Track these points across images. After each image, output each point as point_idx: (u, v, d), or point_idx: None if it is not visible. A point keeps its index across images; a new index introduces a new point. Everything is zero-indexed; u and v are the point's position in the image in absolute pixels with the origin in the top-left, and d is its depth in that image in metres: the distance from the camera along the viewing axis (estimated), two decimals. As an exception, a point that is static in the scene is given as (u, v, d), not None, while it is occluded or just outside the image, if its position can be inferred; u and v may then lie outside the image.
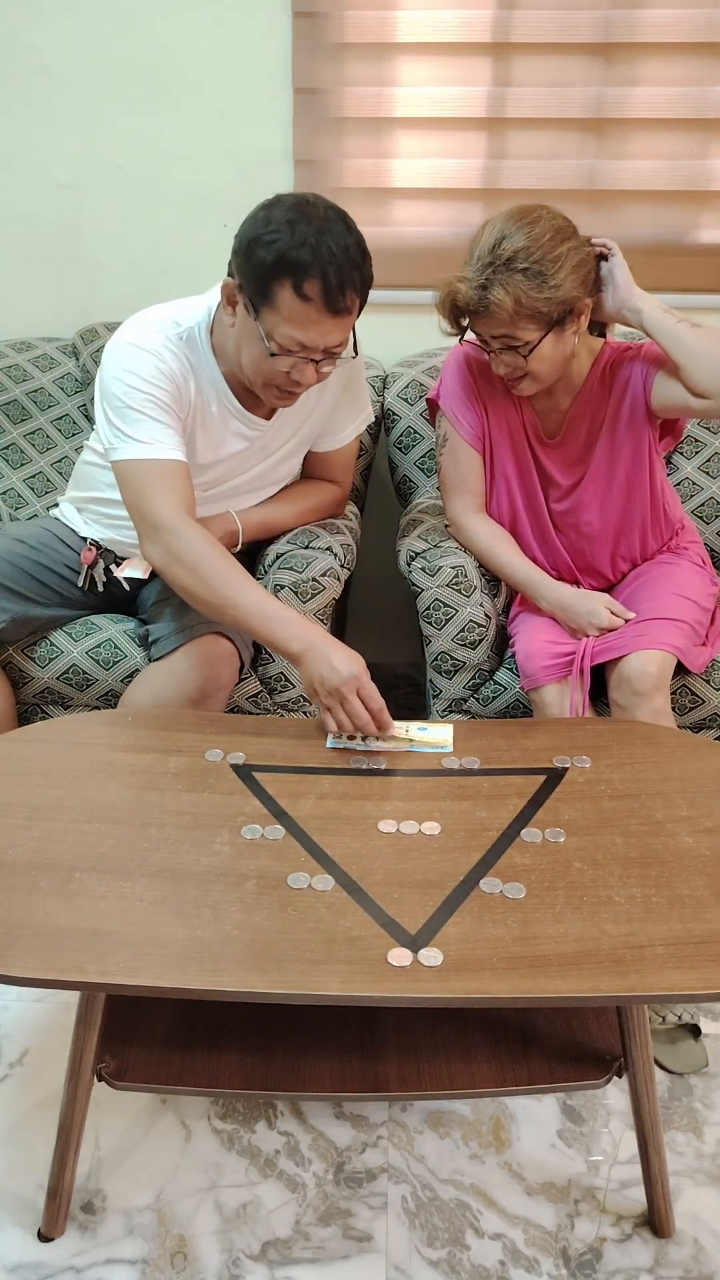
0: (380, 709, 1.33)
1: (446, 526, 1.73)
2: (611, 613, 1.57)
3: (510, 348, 1.48)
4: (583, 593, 1.63)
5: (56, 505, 1.85)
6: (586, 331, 1.56)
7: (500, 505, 1.71)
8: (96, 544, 1.71)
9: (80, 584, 1.70)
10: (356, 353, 1.47)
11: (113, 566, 1.70)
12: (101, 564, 1.70)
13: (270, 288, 1.33)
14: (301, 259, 1.30)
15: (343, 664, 1.33)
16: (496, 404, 1.66)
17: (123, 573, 1.68)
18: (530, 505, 1.70)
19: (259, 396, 1.51)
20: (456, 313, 1.50)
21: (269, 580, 1.66)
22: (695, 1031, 1.48)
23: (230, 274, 1.40)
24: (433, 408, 1.75)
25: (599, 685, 1.58)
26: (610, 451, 1.63)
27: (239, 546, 1.68)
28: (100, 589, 1.71)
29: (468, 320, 1.51)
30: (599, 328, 1.65)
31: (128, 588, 1.71)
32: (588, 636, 1.57)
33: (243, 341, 1.44)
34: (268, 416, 1.60)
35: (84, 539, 1.74)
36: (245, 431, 1.59)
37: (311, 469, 1.77)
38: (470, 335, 1.55)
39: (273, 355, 1.39)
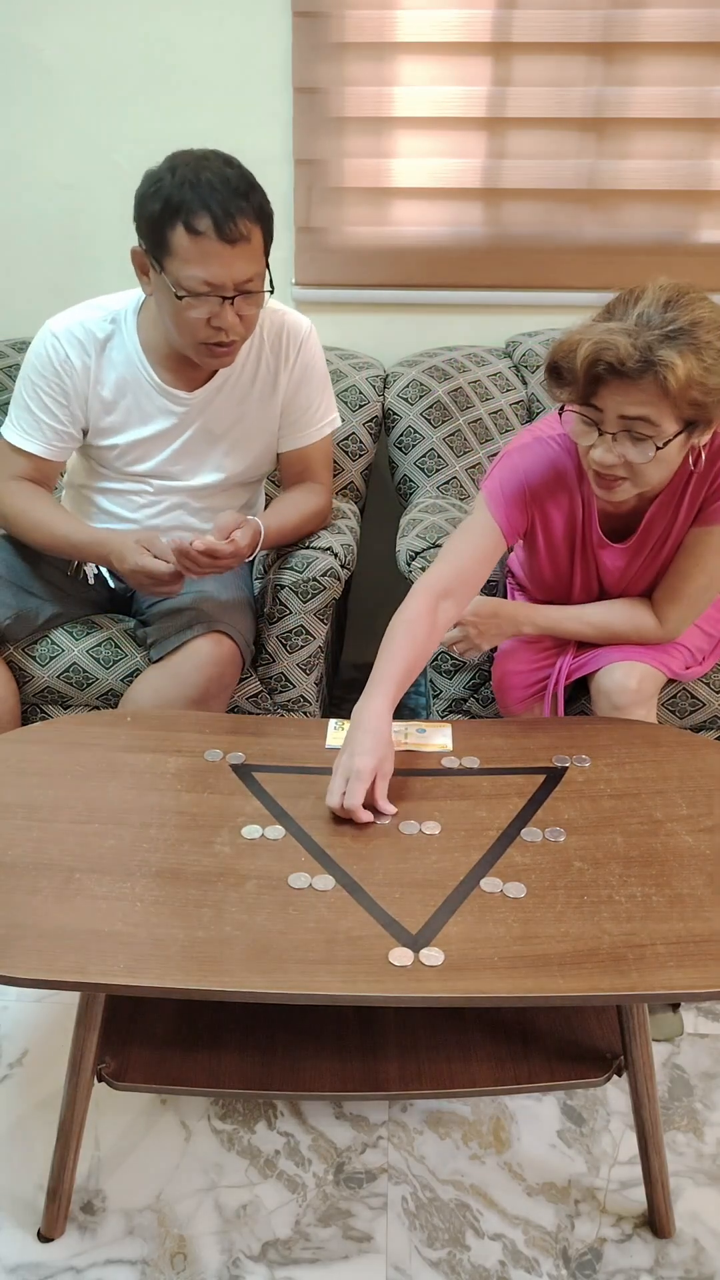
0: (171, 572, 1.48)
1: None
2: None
3: (637, 437, 1.22)
4: (351, 754, 1.21)
5: None
6: None
7: (542, 579, 1.56)
8: None
9: (70, 572, 1.73)
10: (273, 289, 1.46)
11: (105, 570, 1.74)
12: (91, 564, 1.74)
13: (165, 235, 1.36)
14: (184, 198, 1.34)
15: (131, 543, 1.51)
16: (556, 511, 1.44)
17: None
18: (573, 589, 1.55)
19: (193, 368, 1.54)
20: (593, 371, 1.18)
21: (269, 580, 1.66)
22: (674, 1005, 1.51)
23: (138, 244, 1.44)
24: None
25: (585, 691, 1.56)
26: (671, 543, 1.45)
27: (258, 549, 1.61)
28: (92, 581, 1.74)
29: (589, 388, 1.21)
30: None
31: (111, 583, 1.76)
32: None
33: (161, 304, 1.45)
34: (190, 390, 1.59)
35: None
36: (171, 407, 1.59)
37: (290, 471, 1.72)
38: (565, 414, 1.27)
39: (180, 299, 1.39)
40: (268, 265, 1.44)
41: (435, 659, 1.71)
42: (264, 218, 1.40)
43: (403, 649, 1.32)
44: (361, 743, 1.21)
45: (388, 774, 1.22)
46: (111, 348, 1.56)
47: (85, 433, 1.63)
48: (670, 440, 1.22)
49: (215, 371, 1.58)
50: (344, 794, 1.17)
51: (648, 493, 1.37)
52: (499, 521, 1.41)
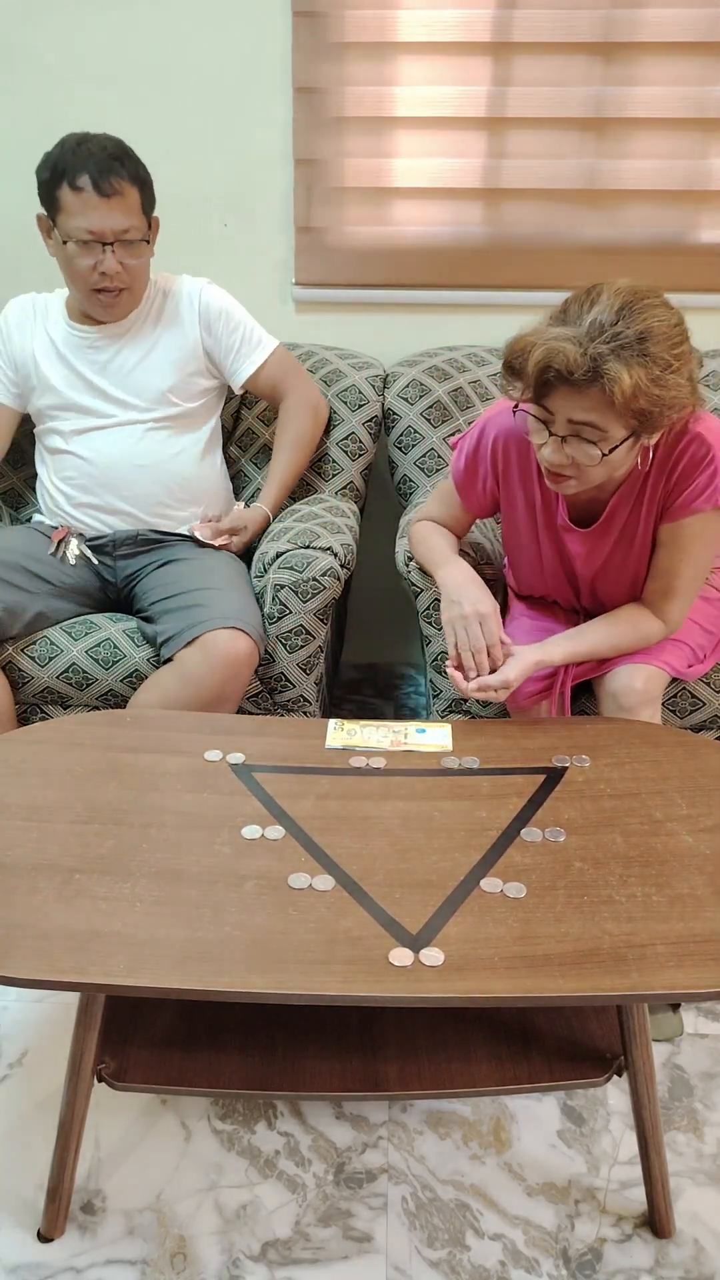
0: None
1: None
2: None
3: (585, 440, 1.25)
4: (471, 602, 1.43)
5: (31, 519, 1.94)
6: None
7: (515, 554, 1.63)
8: (68, 526, 1.83)
9: (51, 551, 1.78)
10: (150, 242, 1.71)
11: (85, 548, 1.81)
12: (73, 542, 1.80)
13: (54, 195, 1.62)
14: (68, 163, 1.59)
15: None
16: (518, 487, 1.50)
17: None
18: (544, 573, 1.60)
19: (98, 318, 1.76)
20: (543, 377, 1.22)
21: (269, 579, 1.66)
22: (674, 1005, 1.51)
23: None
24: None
25: (588, 693, 1.57)
26: (641, 535, 1.46)
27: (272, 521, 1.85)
28: (74, 562, 1.78)
29: (540, 390, 1.25)
30: None
31: (93, 560, 1.81)
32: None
33: (60, 260, 1.69)
34: (95, 325, 1.79)
35: (54, 526, 1.85)
36: (81, 343, 1.79)
37: (265, 394, 1.90)
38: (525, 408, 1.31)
39: (65, 244, 1.63)
40: (150, 227, 1.70)
41: (434, 658, 1.71)
42: (139, 182, 1.64)
43: (441, 537, 1.59)
44: (477, 594, 1.43)
45: (498, 614, 1.43)
46: (49, 312, 1.82)
47: (25, 397, 1.82)
48: (617, 446, 1.26)
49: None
50: (480, 642, 1.38)
51: (607, 483, 1.41)
52: (461, 498, 1.58)
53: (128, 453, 1.78)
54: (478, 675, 1.40)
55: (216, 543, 1.80)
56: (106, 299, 1.70)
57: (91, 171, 1.58)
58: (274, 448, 1.88)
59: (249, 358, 1.85)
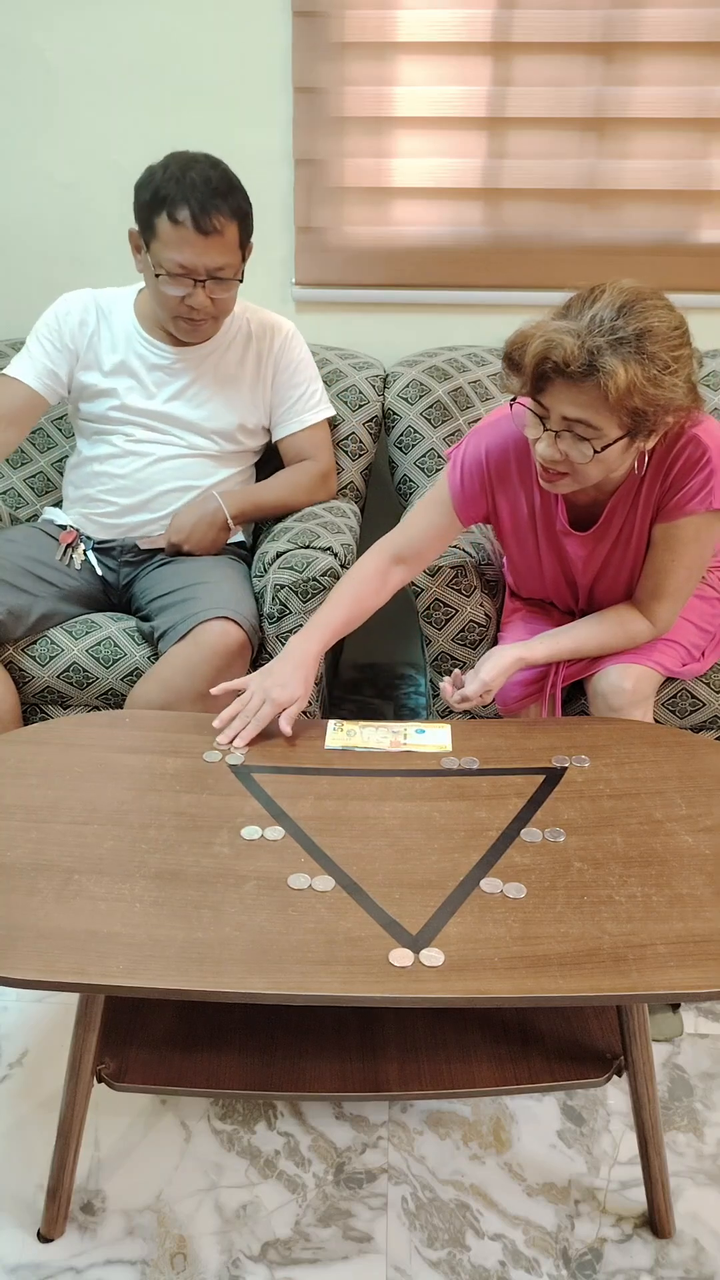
0: None
1: None
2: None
3: (579, 437, 1.25)
4: (276, 682, 1.36)
5: (37, 517, 1.93)
6: None
7: (515, 565, 1.63)
8: (76, 529, 1.82)
9: (59, 557, 1.77)
10: (242, 279, 1.65)
11: (89, 552, 1.80)
12: (81, 546, 1.79)
13: (152, 221, 1.56)
14: (170, 192, 1.53)
15: None
16: (518, 491, 1.48)
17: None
18: (544, 578, 1.60)
19: (179, 341, 1.73)
20: (540, 369, 1.22)
21: (269, 579, 1.66)
22: (674, 1005, 1.52)
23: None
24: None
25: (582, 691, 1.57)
26: (637, 536, 1.46)
27: (232, 526, 1.79)
28: (79, 567, 1.78)
29: (537, 384, 1.25)
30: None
31: (98, 569, 1.80)
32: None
33: (146, 278, 1.66)
34: (173, 344, 1.75)
35: (62, 527, 1.84)
36: (159, 361, 1.75)
37: (289, 454, 1.86)
38: (522, 403, 1.30)
39: (157, 276, 1.59)
40: (244, 258, 1.64)
41: (434, 658, 1.71)
42: (240, 216, 1.59)
43: (347, 603, 1.47)
44: (290, 676, 1.37)
45: (299, 710, 1.36)
46: (113, 314, 1.76)
47: (70, 387, 1.76)
48: (610, 444, 1.24)
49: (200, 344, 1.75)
50: (257, 712, 1.33)
51: (605, 485, 1.40)
52: (455, 506, 1.49)
53: (177, 472, 1.77)
54: (228, 733, 1.33)
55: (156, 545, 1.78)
56: (190, 325, 1.67)
57: (193, 207, 1.52)
58: (271, 477, 1.85)
59: (298, 416, 1.83)
